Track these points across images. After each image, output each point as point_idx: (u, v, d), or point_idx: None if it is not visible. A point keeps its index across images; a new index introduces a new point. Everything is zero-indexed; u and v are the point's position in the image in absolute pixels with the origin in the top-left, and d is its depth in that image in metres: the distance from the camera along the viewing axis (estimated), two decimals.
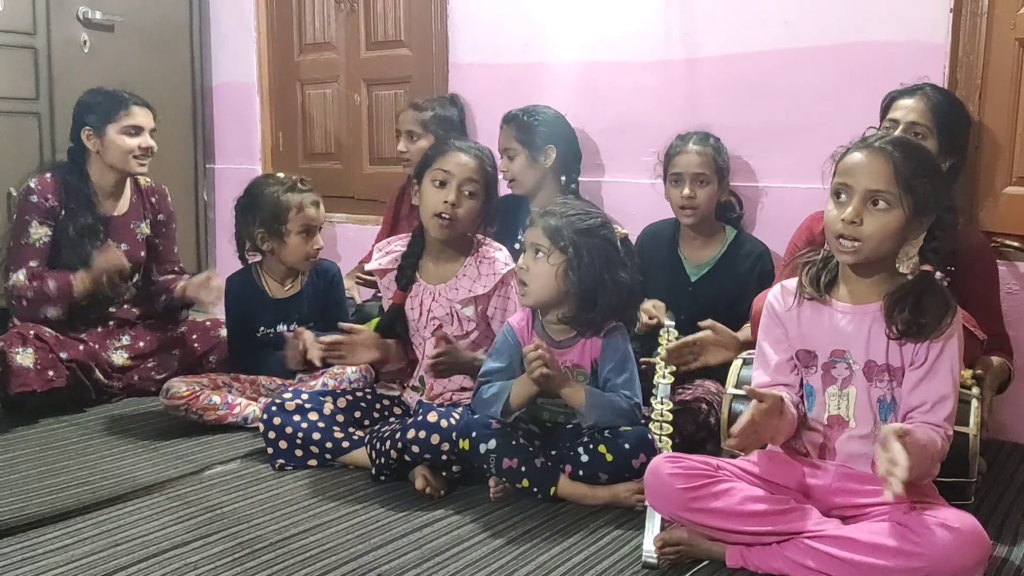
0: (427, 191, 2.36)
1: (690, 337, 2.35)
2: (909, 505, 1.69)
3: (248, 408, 2.67)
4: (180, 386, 2.64)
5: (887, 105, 2.40)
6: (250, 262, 2.89)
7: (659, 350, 2.22)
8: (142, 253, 3.10)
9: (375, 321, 2.84)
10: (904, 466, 1.52)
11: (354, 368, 2.71)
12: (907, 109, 2.33)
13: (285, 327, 2.80)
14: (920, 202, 1.69)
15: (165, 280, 3.13)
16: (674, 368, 2.18)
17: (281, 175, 2.85)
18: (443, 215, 2.32)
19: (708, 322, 2.38)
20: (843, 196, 1.73)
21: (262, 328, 2.82)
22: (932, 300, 1.72)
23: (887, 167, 1.68)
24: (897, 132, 2.29)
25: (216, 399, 2.65)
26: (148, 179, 3.18)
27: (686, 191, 2.63)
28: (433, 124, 3.18)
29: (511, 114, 2.97)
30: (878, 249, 1.72)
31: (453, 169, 2.34)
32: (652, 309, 2.46)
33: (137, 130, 2.97)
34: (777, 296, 1.89)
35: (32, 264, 2.89)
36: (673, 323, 2.32)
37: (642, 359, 2.33)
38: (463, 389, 2.39)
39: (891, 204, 1.69)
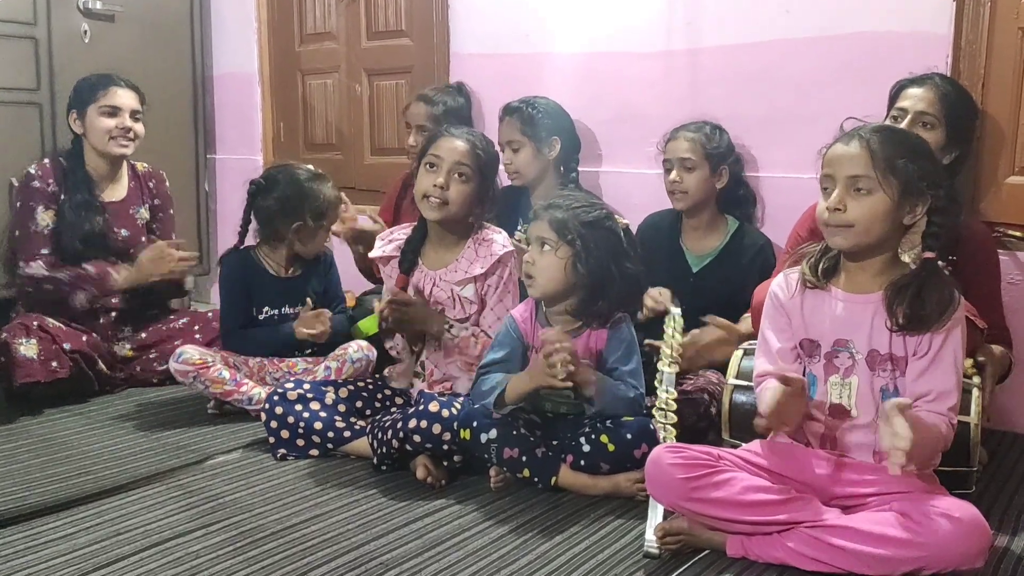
0: (420, 175, 2.39)
1: (699, 339, 2.42)
2: (910, 493, 1.69)
3: (254, 389, 2.66)
4: (193, 353, 2.63)
5: (895, 94, 2.39)
6: (245, 245, 2.86)
7: (664, 338, 2.22)
8: (143, 238, 3.11)
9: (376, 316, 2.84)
10: (907, 438, 1.53)
11: (355, 347, 2.69)
12: (916, 98, 2.32)
13: (290, 309, 2.79)
14: (906, 184, 1.70)
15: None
16: (679, 356, 2.18)
17: (310, 167, 2.86)
18: (431, 197, 2.34)
19: (710, 317, 2.43)
20: (829, 188, 1.76)
21: (266, 309, 2.80)
22: (933, 291, 1.72)
23: (863, 152, 1.71)
24: (905, 121, 2.29)
25: (226, 374, 2.64)
26: (146, 164, 3.18)
27: (672, 176, 2.65)
28: (444, 118, 3.14)
29: (513, 106, 2.95)
30: (868, 234, 1.73)
31: (443, 154, 2.36)
32: (658, 295, 2.47)
33: (114, 110, 2.97)
34: (781, 285, 1.89)
35: (44, 252, 2.90)
36: (679, 310, 2.32)
37: (646, 341, 2.33)
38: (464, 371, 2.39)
39: (872, 188, 1.71)
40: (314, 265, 2.87)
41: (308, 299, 2.76)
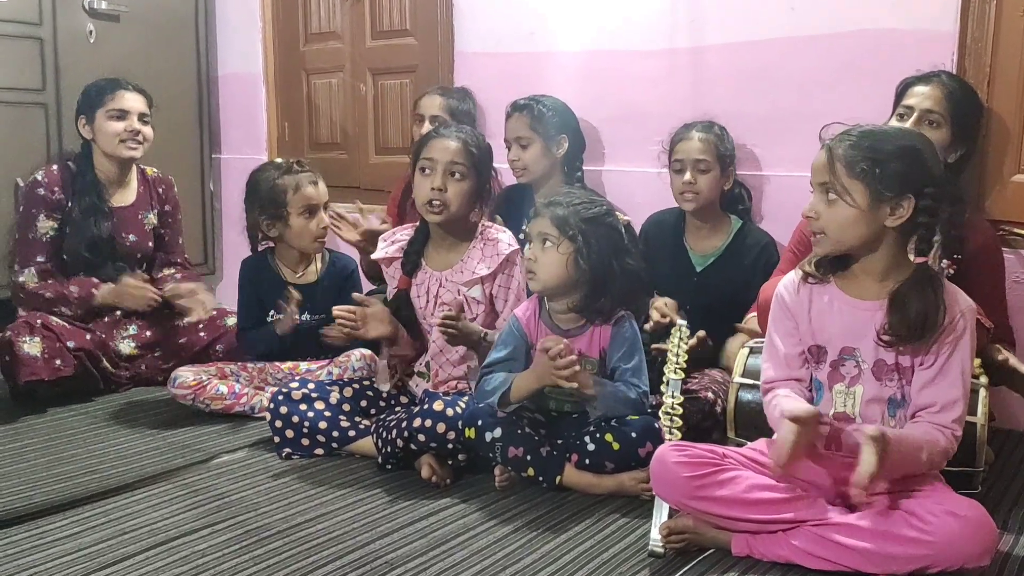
0: (416, 181, 2.39)
1: (730, 347, 2.44)
2: (916, 491, 1.70)
3: (255, 398, 2.68)
4: (187, 375, 2.65)
5: (901, 91, 2.38)
6: (262, 249, 2.88)
7: (670, 348, 2.23)
8: (150, 244, 3.13)
9: None
10: (867, 473, 1.57)
11: (358, 356, 2.71)
12: (922, 96, 2.31)
13: (297, 315, 2.78)
14: (873, 188, 1.69)
15: (163, 276, 3.15)
16: (685, 364, 2.18)
17: (279, 160, 2.85)
18: (432, 202, 2.34)
19: (738, 326, 2.46)
20: (813, 195, 1.78)
21: (272, 313, 2.80)
22: (921, 304, 1.70)
23: (825, 159, 1.72)
24: (912, 120, 2.29)
25: (223, 388, 2.66)
26: (155, 169, 3.20)
27: (687, 177, 2.63)
28: (457, 114, 3.16)
29: (523, 103, 2.95)
30: (840, 240, 1.74)
31: (436, 155, 2.35)
32: (664, 307, 2.46)
33: (123, 113, 2.97)
34: (788, 287, 1.89)
35: (39, 259, 2.91)
36: (685, 322, 2.33)
37: (653, 346, 2.33)
38: (468, 375, 2.39)
39: (839, 194, 1.71)
40: (331, 273, 2.84)
41: (303, 316, 2.74)
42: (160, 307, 3.10)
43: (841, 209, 1.71)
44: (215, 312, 3.11)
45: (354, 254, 3.05)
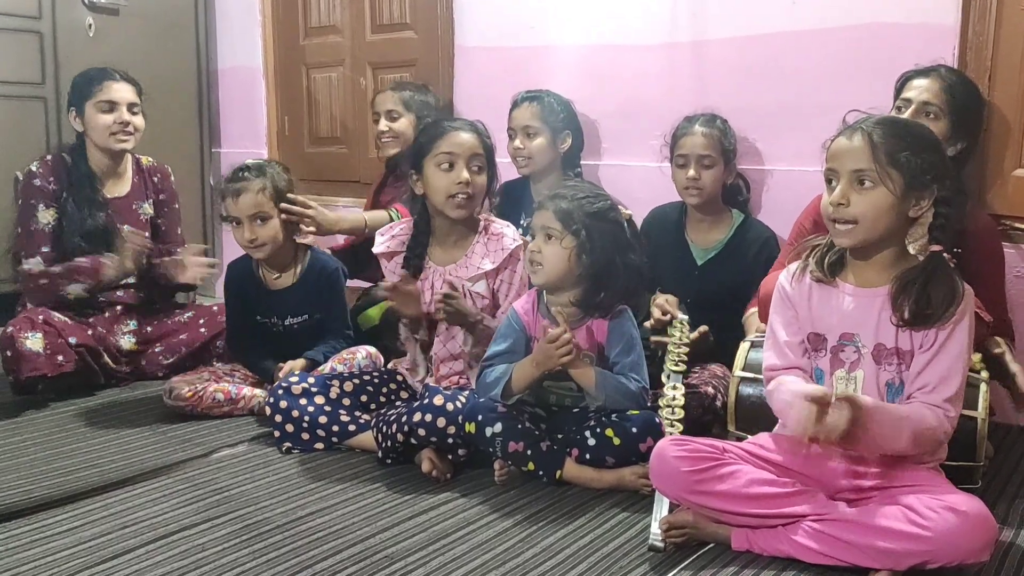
0: (434, 177, 2.34)
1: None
2: (916, 487, 1.69)
3: (254, 399, 2.66)
4: (183, 387, 2.62)
5: (901, 85, 2.38)
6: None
7: (671, 342, 2.22)
8: (147, 234, 3.10)
9: (383, 304, 2.84)
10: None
11: (364, 354, 2.70)
12: (921, 89, 2.31)
13: (280, 320, 2.75)
14: (910, 177, 1.69)
15: (162, 262, 3.11)
16: (686, 357, 2.18)
17: (250, 161, 2.82)
18: (459, 195, 2.32)
19: (703, 329, 2.42)
20: (833, 182, 1.75)
21: (258, 317, 2.76)
22: (939, 287, 1.71)
23: (866, 145, 1.70)
24: (910, 111, 2.28)
25: (220, 396, 2.63)
26: (151, 159, 3.18)
27: (691, 172, 2.62)
28: (413, 104, 3.16)
29: (532, 94, 2.94)
30: (873, 229, 1.72)
31: (457, 149, 2.33)
32: (665, 304, 2.46)
33: (112, 105, 2.95)
34: (788, 278, 1.88)
35: (44, 250, 2.91)
36: (687, 317, 2.32)
37: (653, 339, 2.33)
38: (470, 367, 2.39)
39: (875, 182, 1.70)
40: (314, 277, 2.76)
41: (286, 321, 2.74)
42: (161, 299, 3.10)
43: (878, 196, 1.70)
44: (216, 308, 3.10)
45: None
